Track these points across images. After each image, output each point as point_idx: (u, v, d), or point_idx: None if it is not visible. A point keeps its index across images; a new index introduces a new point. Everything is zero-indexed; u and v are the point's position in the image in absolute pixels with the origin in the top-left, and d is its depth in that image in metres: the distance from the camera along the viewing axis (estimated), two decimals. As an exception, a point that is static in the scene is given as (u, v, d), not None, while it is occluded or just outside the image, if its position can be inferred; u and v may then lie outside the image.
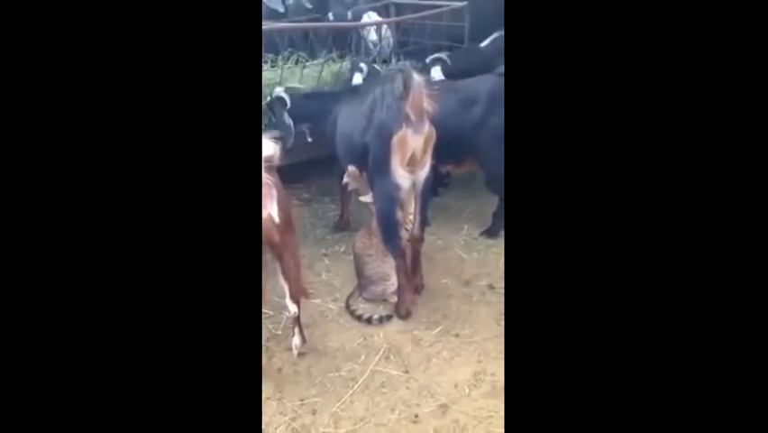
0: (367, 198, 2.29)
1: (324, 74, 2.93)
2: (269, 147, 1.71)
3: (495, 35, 3.21)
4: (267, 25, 2.70)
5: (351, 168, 2.40)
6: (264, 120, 2.67)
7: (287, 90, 2.64)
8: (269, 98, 2.65)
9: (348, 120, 2.32)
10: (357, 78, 2.73)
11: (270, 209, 1.73)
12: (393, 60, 3.25)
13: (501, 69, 2.57)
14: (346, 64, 2.99)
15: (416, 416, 1.76)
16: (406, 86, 1.90)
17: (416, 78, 1.89)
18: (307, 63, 3.03)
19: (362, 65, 2.76)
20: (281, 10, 3.54)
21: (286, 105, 2.60)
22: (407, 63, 2.84)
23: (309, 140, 2.70)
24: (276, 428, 1.71)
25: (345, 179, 2.51)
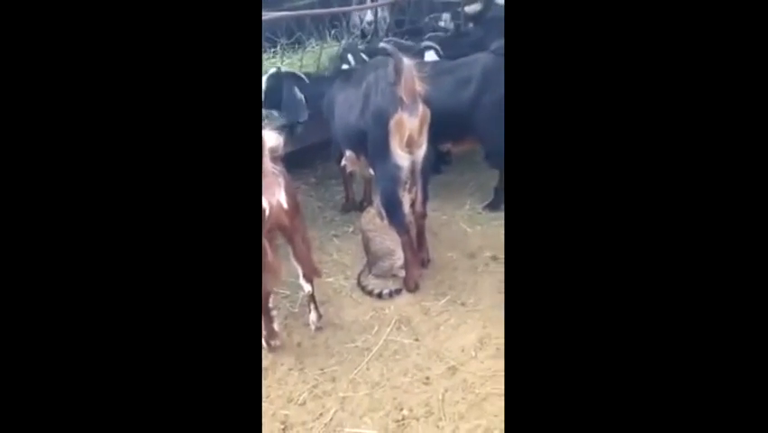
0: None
1: (322, 59, 3.02)
2: (273, 138, 1.81)
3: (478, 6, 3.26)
4: (266, 15, 2.77)
5: (348, 152, 2.51)
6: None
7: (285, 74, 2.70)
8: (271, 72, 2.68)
9: (343, 105, 2.41)
10: (345, 66, 2.82)
11: (279, 196, 1.85)
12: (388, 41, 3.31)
13: (493, 46, 2.64)
14: (340, 48, 3.07)
15: (428, 378, 1.90)
16: (398, 70, 1.99)
17: (406, 62, 1.97)
18: (306, 48, 3.11)
19: (349, 56, 2.84)
20: None
21: (301, 80, 2.64)
22: (393, 43, 2.90)
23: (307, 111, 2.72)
24: (300, 395, 1.87)
25: (343, 162, 2.62)
